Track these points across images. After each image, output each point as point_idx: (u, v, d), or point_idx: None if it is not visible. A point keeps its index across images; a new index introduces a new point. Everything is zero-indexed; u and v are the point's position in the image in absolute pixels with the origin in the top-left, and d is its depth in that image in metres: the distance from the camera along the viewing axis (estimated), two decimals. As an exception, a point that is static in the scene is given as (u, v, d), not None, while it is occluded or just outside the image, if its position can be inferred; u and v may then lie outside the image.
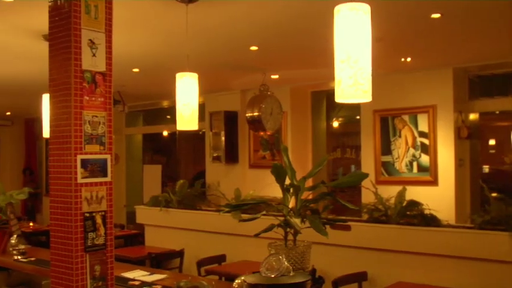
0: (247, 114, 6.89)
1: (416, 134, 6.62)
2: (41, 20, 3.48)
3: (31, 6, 3.83)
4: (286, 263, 2.40)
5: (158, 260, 6.27)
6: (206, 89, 7.24)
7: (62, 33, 2.89)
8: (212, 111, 8.37)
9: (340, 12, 2.34)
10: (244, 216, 3.65)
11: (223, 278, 5.40)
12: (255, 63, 6.30)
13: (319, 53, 5.42)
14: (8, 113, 12.18)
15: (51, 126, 3.02)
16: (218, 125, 8.24)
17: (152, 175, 9.99)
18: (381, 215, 5.37)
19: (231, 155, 8.26)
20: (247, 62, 6.19)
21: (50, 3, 2.96)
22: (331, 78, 2.51)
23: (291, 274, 2.43)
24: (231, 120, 8.26)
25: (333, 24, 2.41)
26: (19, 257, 4.51)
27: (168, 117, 10.38)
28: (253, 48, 5.36)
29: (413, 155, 6.63)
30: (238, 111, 8.30)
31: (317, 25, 4.41)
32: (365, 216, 5.57)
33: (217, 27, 4.61)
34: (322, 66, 6.20)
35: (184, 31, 3.91)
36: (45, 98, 5.39)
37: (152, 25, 4.52)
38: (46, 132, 5.40)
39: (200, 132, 8.78)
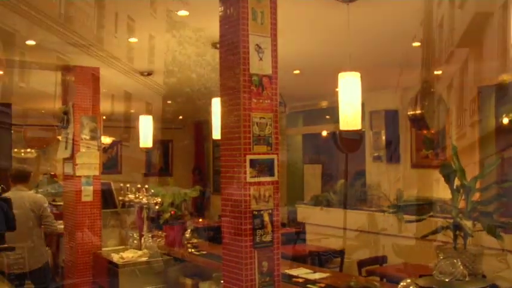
0: (409, 112, 6.65)
1: None
2: (211, 29, 3.73)
3: (203, 17, 4.12)
4: (461, 268, 2.29)
5: (319, 259, 6.33)
6: (366, 88, 7.15)
7: (231, 39, 3.06)
8: (372, 110, 8.25)
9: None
10: (409, 217, 3.55)
11: (384, 280, 5.30)
12: (417, 60, 6.08)
13: (488, 45, 5.08)
14: (180, 117, 13.15)
15: (222, 128, 3.20)
16: (378, 124, 8.12)
17: (312, 174, 10.13)
18: None
19: (392, 155, 8.08)
20: (409, 58, 6.00)
21: (221, 13, 3.16)
22: (501, 71, 2.35)
23: (466, 279, 2.32)
24: (391, 119, 8.09)
25: (505, 14, 2.25)
26: (192, 250, 4.86)
27: (327, 117, 10.42)
28: (416, 44, 5.19)
29: None
30: (398, 110, 8.08)
31: (485, 16, 4.14)
32: (544, 221, 5.10)
33: (378, 24, 4.54)
34: (490, 59, 5.78)
35: (345, 30, 3.92)
36: (215, 102, 5.72)
37: (314, 26, 4.59)
38: (215, 134, 5.74)
39: (359, 132, 8.70)
